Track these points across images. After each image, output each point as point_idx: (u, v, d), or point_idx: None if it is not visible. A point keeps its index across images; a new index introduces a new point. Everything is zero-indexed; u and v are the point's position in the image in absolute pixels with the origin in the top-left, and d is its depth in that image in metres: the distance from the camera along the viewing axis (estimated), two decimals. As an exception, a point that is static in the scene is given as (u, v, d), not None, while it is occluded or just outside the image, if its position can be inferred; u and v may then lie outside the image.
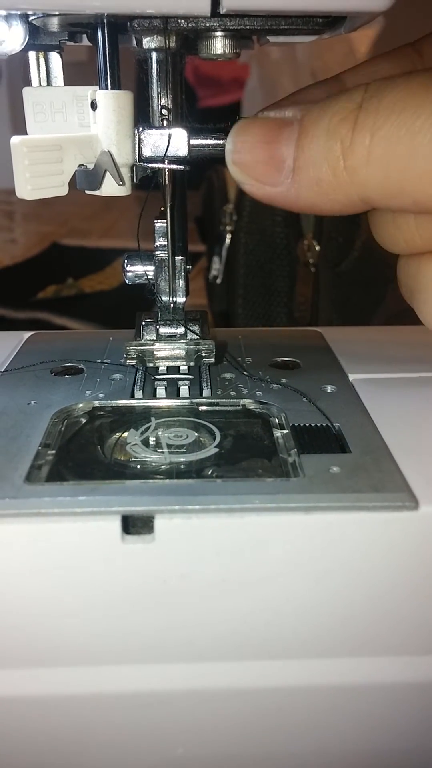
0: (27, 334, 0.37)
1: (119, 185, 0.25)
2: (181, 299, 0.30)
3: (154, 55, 0.26)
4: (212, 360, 0.30)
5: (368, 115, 0.22)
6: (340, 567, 0.22)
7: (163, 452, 0.26)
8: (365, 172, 0.22)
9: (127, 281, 0.31)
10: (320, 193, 0.24)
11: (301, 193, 0.24)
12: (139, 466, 0.25)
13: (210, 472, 0.24)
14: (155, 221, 0.30)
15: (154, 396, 0.29)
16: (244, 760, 0.26)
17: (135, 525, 0.22)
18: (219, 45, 0.25)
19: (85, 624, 0.23)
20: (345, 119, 0.22)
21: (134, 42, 0.26)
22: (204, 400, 0.29)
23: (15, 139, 0.23)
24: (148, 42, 0.25)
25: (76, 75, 0.28)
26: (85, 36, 0.29)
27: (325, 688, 0.24)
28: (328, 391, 0.29)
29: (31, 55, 0.28)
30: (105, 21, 0.24)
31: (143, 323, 0.31)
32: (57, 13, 0.24)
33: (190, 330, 0.31)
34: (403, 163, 0.22)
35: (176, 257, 0.30)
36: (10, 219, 1.17)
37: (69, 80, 0.28)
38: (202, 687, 0.24)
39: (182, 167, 0.27)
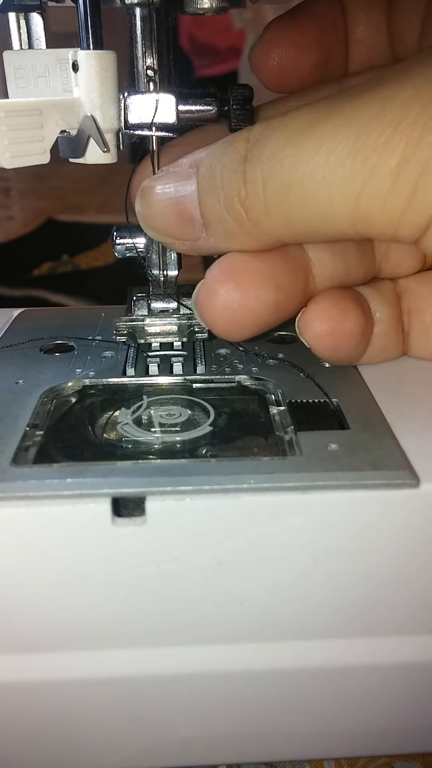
0: (17, 311, 0.36)
1: (103, 152, 0.24)
2: (172, 272, 0.29)
3: (137, 11, 0.24)
4: (206, 335, 0.29)
5: (255, 168, 0.21)
6: (339, 547, 0.22)
7: (155, 432, 0.25)
8: (269, 223, 0.22)
9: (117, 254, 0.30)
10: (236, 242, 0.23)
11: (219, 244, 0.24)
12: (130, 446, 0.24)
13: (204, 452, 0.24)
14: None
15: (146, 373, 0.29)
16: (243, 740, 0.25)
17: (126, 507, 0.21)
18: (206, -1, 0.24)
19: (76, 609, 0.22)
20: (235, 172, 0.22)
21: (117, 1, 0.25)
22: (198, 377, 0.28)
23: (-9, 104, 0.22)
24: (131, -3, 0.23)
25: (67, 46, 0.26)
26: (67, -5, 0.28)
27: (325, 670, 0.23)
28: (327, 365, 0.29)
29: (11, 16, 0.27)
30: (85, -24, 0.23)
31: (134, 298, 0.30)
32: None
33: (182, 304, 0.30)
34: (300, 209, 0.21)
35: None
36: (6, 196, 1.15)
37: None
38: (197, 671, 0.23)
39: (170, 134, 0.26)
